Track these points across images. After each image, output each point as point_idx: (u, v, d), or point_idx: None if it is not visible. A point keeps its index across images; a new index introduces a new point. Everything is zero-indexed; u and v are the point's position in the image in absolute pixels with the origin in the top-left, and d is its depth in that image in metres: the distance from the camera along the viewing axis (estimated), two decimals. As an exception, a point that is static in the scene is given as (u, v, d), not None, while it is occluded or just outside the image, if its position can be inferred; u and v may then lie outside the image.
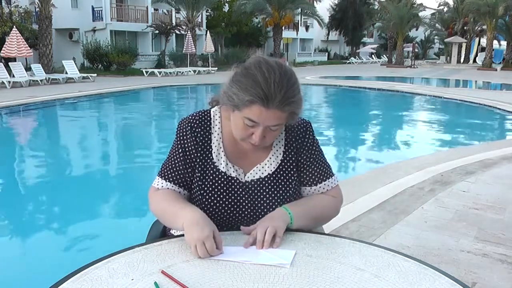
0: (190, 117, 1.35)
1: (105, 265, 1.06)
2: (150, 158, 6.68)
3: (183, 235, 1.20)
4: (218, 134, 1.34)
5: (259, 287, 0.97)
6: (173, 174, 1.33)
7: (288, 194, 1.33)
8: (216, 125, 1.34)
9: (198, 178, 1.32)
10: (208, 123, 1.34)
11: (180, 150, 1.33)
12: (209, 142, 1.33)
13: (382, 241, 2.94)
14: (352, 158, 7.25)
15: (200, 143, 1.32)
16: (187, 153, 1.32)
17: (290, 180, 1.34)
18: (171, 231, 1.44)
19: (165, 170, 1.34)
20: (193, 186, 1.33)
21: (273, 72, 1.16)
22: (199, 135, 1.32)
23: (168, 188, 1.33)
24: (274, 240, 1.16)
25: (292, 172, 1.35)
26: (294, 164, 1.36)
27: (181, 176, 1.33)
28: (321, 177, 1.38)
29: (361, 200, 3.81)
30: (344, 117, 11.61)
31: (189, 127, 1.33)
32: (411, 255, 1.15)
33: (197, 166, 1.32)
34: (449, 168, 4.96)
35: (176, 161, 1.33)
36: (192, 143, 1.32)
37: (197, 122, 1.34)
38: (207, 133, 1.33)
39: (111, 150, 7.81)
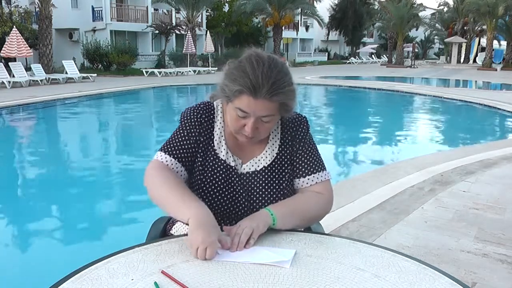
0: (195, 106, 1.39)
1: (105, 265, 1.06)
2: (150, 157, 6.67)
3: (183, 235, 1.20)
4: (220, 123, 1.37)
5: (259, 287, 0.97)
6: (176, 150, 1.33)
7: (281, 187, 1.35)
8: (218, 114, 1.38)
9: (199, 163, 1.34)
10: (212, 112, 1.38)
11: (185, 132, 1.35)
12: (211, 130, 1.36)
13: (382, 241, 2.94)
14: (352, 158, 7.25)
15: (204, 129, 1.35)
16: (191, 135, 1.34)
17: (283, 173, 1.36)
18: (171, 231, 1.44)
19: (168, 146, 1.35)
20: (193, 171, 1.34)
21: (262, 63, 1.20)
22: (203, 121, 1.36)
23: (171, 164, 1.31)
24: (248, 242, 1.14)
25: (286, 165, 1.37)
26: (288, 157, 1.38)
27: (184, 153, 1.33)
28: (311, 168, 1.37)
29: (361, 200, 3.80)
30: (344, 117, 11.61)
31: (194, 114, 1.36)
32: (411, 255, 1.15)
33: (200, 151, 1.34)
34: (449, 168, 4.96)
35: (179, 139, 1.35)
36: (196, 128, 1.35)
37: (202, 110, 1.37)
38: (210, 121, 1.37)
39: (111, 150, 7.80)
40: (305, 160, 1.38)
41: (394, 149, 7.88)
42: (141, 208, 4.26)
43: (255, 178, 1.34)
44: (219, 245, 1.11)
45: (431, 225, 3.27)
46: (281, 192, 1.34)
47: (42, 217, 4.33)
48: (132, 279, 0.99)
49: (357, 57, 44.94)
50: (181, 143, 1.34)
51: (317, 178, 1.37)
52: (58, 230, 4.05)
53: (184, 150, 1.33)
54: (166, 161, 1.32)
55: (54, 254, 3.41)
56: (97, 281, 0.98)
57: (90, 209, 4.42)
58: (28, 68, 17.61)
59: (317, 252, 1.14)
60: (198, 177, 1.33)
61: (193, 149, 1.34)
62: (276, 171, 1.36)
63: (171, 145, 1.34)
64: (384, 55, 45.94)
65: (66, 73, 17.82)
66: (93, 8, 25.88)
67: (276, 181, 1.35)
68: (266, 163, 1.36)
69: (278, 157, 1.37)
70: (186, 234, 1.15)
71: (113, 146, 8.13)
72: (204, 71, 23.77)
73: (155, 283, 0.97)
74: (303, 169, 1.37)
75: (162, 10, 29.29)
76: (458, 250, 2.85)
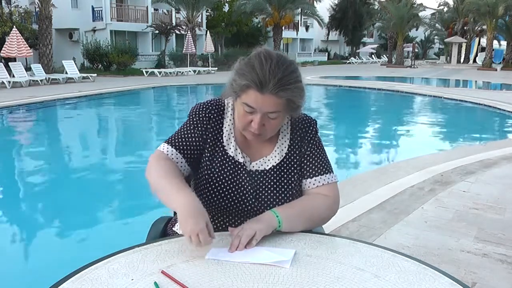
0: (205, 102, 1.40)
1: (105, 265, 1.06)
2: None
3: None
4: (230, 120, 1.38)
5: (259, 287, 0.97)
6: (179, 142, 1.35)
7: (290, 187, 1.35)
8: (228, 111, 1.39)
9: (207, 158, 1.35)
10: (222, 109, 1.39)
11: (191, 126, 1.36)
12: (221, 126, 1.37)
13: (382, 241, 2.94)
14: (352, 158, 7.25)
15: (213, 124, 1.36)
16: (198, 129, 1.35)
17: (292, 174, 1.36)
18: (174, 228, 1.44)
19: (173, 138, 1.36)
20: (201, 166, 1.35)
21: (270, 59, 1.22)
22: (212, 117, 1.37)
23: (172, 155, 1.32)
24: (250, 243, 1.15)
25: (295, 165, 1.37)
26: (297, 157, 1.38)
27: (187, 145, 1.34)
28: (318, 170, 1.38)
29: (361, 200, 3.80)
30: (344, 117, 11.62)
31: (203, 109, 1.37)
32: (411, 255, 1.15)
33: (208, 146, 1.35)
34: (449, 168, 4.96)
35: (185, 132, 1.36)
36: (203, 123, 1.36)
37: (212, 106, 1.38)
38: (220, 118, 1.38)
39: (110, 150, 7.81)
40: (313, 161, 1.38)
41: (394, 149, 7.88)
42: (141, 208, 4.26)
43: (264, 177, 1.35)
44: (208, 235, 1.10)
45: (431, 225, 3.27)
46: (290, 192, 1.34)
47: (41, 217, 4.33)
48: (132, 279, 0.99)
49: (357, 57, 44.92)
50: (186, 136, 1.35)
51: (324, 180, 1.37)
52: (58, 230, 4.05)
53: (188, 143, 1.34)
54: (167, 151, 1.33)
55: (54, 254, 3.41)
56: (97, 281, 0.99)
57: (90, 209, 4.42)
58: (28, 68, 17.61)
59: (317, 252, 1.15)
60: (206, 172, 1.34)
61: (198, 144, 1.35)
62: (285, 170, 1.36)
63: (176, 138, 1.36)
64: (384, 55, 45.93)
65: (66, 73, 17.81)
66: (93, 8, 25.88)
67: (285, 181, 1.35)
68: (275, 162, 1.36)
69: (287, 157, 1.37)
70: None
71: (112, 146, 8.13)
72: (204, 71, 23.77)
73: (155, 283, 0.97)
74: (310, 170, 1.38)
75: (162, 10, 29.29)
76: (458, 250, 2.85)
